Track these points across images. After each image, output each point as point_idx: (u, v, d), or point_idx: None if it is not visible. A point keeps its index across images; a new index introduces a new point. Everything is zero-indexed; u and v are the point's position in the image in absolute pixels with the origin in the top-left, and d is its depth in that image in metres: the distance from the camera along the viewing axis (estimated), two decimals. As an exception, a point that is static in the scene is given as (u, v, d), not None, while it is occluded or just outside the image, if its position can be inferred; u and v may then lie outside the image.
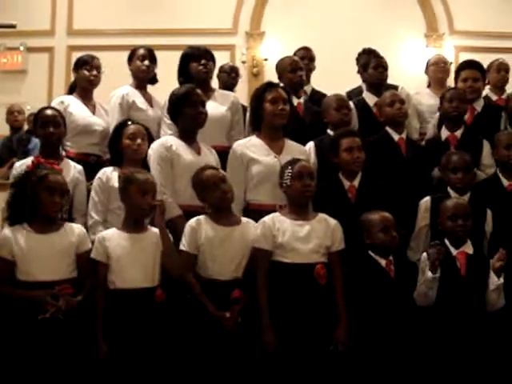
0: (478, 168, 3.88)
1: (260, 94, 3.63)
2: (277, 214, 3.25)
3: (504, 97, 4.60)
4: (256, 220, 3.27)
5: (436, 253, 3.12)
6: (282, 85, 4.05)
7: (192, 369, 3.04)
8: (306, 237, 3.15)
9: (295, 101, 4.28)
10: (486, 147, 3.93)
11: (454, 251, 3.28)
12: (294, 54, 4.85)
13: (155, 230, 3.22)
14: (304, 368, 3.01)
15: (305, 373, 3.01)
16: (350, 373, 3.10)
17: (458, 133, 4.01)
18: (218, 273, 3.12)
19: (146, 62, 4.31)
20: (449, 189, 3.62)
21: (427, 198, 3.61)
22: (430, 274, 3.14)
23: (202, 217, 3.22)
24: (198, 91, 3.66)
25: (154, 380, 3.02)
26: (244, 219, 3.28)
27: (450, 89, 4.37)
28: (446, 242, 3.31)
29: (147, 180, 3.21)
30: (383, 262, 3.24)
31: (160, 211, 3.17)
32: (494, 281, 3.19)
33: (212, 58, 4.14)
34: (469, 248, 3.30)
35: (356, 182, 3.58)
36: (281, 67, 4.47)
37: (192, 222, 3.20)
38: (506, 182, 3.70)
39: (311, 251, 3.14)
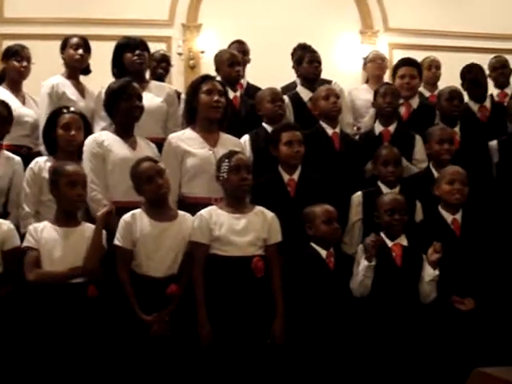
0: (410, 162, 3.97)
1: (196, 86, 3.59)
2: (213, 207, 3.23)
3: (436, 93, 4.72)
4: (192, 213, 3.23)
5: (372, 240, 3.20)
6: (218, 78, 4.03)
7: (122, 369, 2.99)
8: (243, 230, 3.14)
9: (231, 94, 4.26)
10: (419, 142, 4.01)
11: (389, 243, 3.35)
12: (228, 47, 4.83)
13: (90, 225, 3.15)
14: (241, 362, 3.00)
15: (242, 366, 3.00)
16: (287, 365, 3.12)
17: (392, 127, 4.09)
18: (153, 269, 3.07)
19: (80, 51, 4.20)
20: (379, 183, 3.68)
21: (359, 193, 3.66)
22: (365, 262, 3.20)
23: (137, 211, 3.16)
24: (135, 85, 3.57)
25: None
26: (181, 213, 3.24)
27: (383, 84, 4.44)
28: (382, 234, 3.37)
29: (76, 172, 3.13)
30: (324, 254, 3.28)
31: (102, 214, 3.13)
32: (430, 273, 3.27)
33: (147, 49, 4.07)
34: (403, 240, 3.37)
35: (295, 176, 3.60)
36: (219, 60, 4.45)
37: (127, 216, 3.14)
38: (437, 175, 3.75)
39: (248, 244, 3.13)
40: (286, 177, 3.60)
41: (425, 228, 3.50)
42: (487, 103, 4.53)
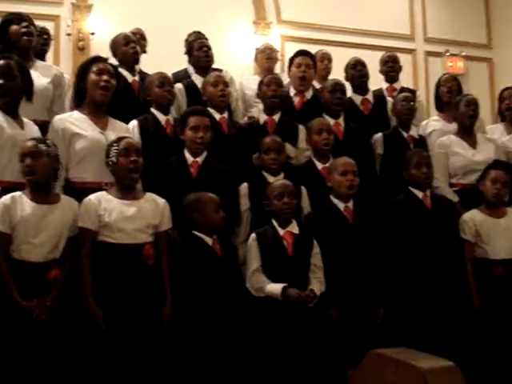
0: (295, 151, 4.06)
1: (86, 66, 3.48)
2: (103, 193, 3.16)
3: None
4: (80, 199, 3.14)
5: (298, 296, 3.20)
6: (116, 62, 3.92)
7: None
8: (133, 216, 3.10)
9: (130, 78, 4.23)
10: (302, 132, 4.11)
11: (281, 231, 3.41)
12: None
13: None
14: (133, 348, 2.97)
15: (133, 352, 2.97)
16: (177, 349, 3.12)
17: (276, 117, 4.15)
18: (34, 254, 2.95)
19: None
20: (263, 172, 3.75)
21: (245, 184, 3.72)
22: (279, 294, 3.22)
23: (17, 193, 3.02)
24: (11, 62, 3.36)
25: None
26: (64, 197, 3.14)
27: (268, 74, 4.52)
28: (274, 222, 3.43)
29: None
30: (210, 241, 3.29)
31: None
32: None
33: (34, 25, 3.89)
34: (294, 228, 3.44)
35: (200, 159, 3.61)
36: (115, 42, 4.41)
37: (6, 198, 2.99)
38: (319, 165, 3.91)
39: (139, 231, 3.10)
40: (190, 159, 3.61)
41: (318, 216, 3.59)
42: (370, 97, 4.72)
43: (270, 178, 3.70)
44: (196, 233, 3.31)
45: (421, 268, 3.63)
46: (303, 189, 3.73)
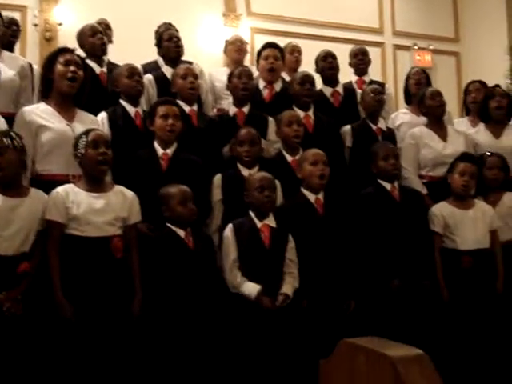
0: (265, 144, 4.04)
1: (53, 57, 3.42)
2: (71, 185, 3.13)
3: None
4: (47, 192, 3.10)
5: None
6: (83, 54, 3.87)
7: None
8: (102, 209, 3.07)
9: (98, 69, 4.18)
10: (272, 125, 4.10)
11: (258, 224, 3.41)
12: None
13: None
14: (102, 341, 2.95)
15: (103, 346, 2.95)
16: (147, 343, 3.11)
17: (246, 109, 4.14)
18: (3, 247, 2.91)
19: None
20: (238, 164, 3.74)
21: (218, 176, 3.70)
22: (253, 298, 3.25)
23: None
24: None
25: None
26: (33, 190, 3.09)
27: (238, 66, 4.51)
28: (251, 214, 3.43)
29: None
30: (182, 233, 3.27)
31: None
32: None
33: (1, 16, 3.82)
34: (272, 221, 3.45)
35: (170, 151, 3.57)
36: (82, 34, 4.35)
37: None
38: (289, 158, 3.91)
39: (107, 224, 3.07)
40: (159, 151, 3.57)
41: (289, 208, 3.60)
42: (340, 89, 4.74)
43: (244, 171, 3.69)
44: (169, 225, 3.30)
45: (390, 259, 3.66)
46: (278, 184, 3.71)
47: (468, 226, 3.82)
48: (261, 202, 3.41)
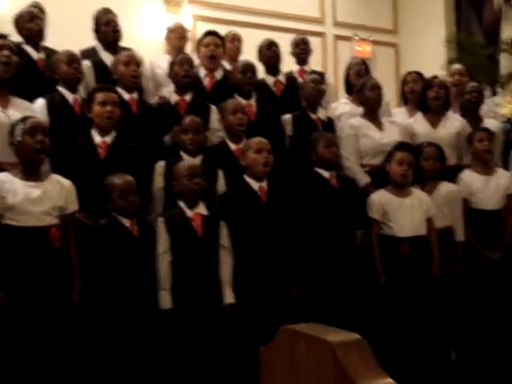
0: (207, 132, 4.04)
1: None
2: (6, 174, 3.05)
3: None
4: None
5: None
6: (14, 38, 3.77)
7: None
8: (38, 198, 3.01)
9: (35, 55, 4.08)
10: (214, 113, 4.10)
11: (189, 213, 3.39)
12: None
13: None
14: (40, 332, 2.91)
15: (41, 336, 2.91)
16: (87, 333, 3.09)
17: (188, 97, 4.12)
18: None
19: None
20: (181, 152, 3.72)
21: (161, 163, 3.66)
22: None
23: None
24: None
25: None
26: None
27: (179, 53, 4.49)
28: (181, 204, 3.40)
29: None
30: (127, 223, 3.25)
31: None
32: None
33: None
34: (203, 209, 3.43)
35: (109, 139, 3.51)
36: (19, 19, 4.21)
37: None
38: (233, 146, 3.91)
39: (45, 214, 3.02)
40: (97, 139, 3.50)
41: (232, 196, 3.60)
42: (282, 78, 4.76)
43: (188, 159, 3.65)
44: (114, 214, 3.27)
45: (329, 247, 3.73)
46: (220, 172, 3.72)
47: (405, 213, 3.91)
48: (190, 189, 3.38)
